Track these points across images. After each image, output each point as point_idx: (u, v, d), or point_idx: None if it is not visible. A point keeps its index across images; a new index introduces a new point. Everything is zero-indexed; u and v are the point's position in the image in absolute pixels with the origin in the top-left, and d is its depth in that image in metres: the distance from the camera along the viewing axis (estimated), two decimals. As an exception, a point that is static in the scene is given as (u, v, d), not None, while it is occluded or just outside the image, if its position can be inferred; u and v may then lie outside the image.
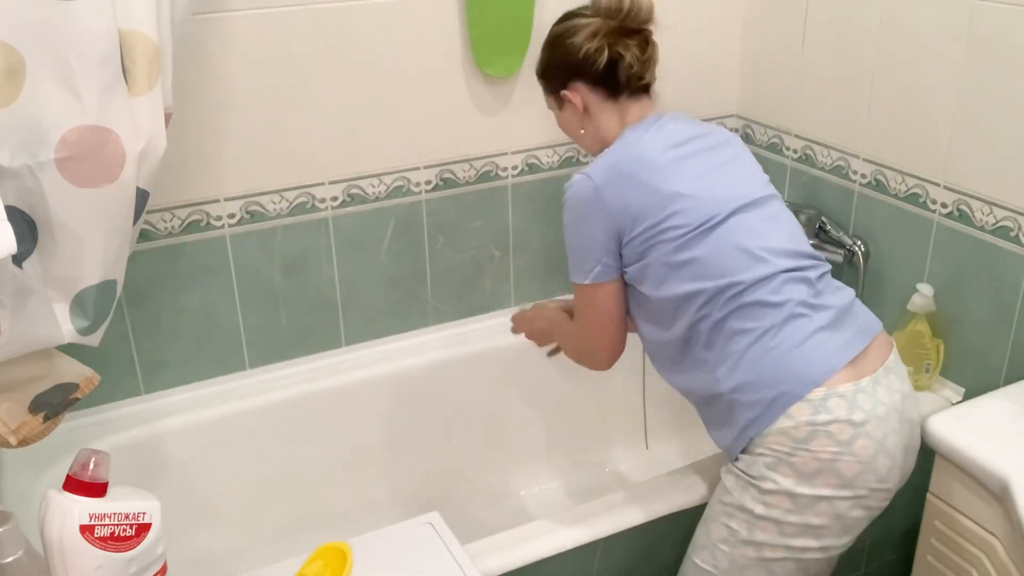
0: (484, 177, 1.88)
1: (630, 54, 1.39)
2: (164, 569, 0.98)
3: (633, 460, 2.07)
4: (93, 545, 0.89)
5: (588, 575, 1.45)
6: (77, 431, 1.59)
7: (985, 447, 1.30)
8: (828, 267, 1.38)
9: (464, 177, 1.86)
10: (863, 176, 1.79)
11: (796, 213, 1.84)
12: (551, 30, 1.46)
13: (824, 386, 1.24)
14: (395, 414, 1.89)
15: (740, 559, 1.31)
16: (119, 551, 0.91)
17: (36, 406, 1.18)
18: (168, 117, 1.28)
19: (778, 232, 1.35)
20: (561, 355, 1.62)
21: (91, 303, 1.22)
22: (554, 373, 1.91)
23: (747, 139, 2.08)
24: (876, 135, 1.74)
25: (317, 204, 1.75)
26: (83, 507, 0.89)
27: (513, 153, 1.89)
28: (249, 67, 1.60)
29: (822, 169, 1.88)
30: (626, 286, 1.40)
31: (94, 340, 1.26)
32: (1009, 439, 1.33)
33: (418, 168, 1.82)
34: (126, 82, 1.17)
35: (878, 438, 1.24)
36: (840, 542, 1.30)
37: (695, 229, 1.30)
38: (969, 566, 1.35)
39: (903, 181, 1.71)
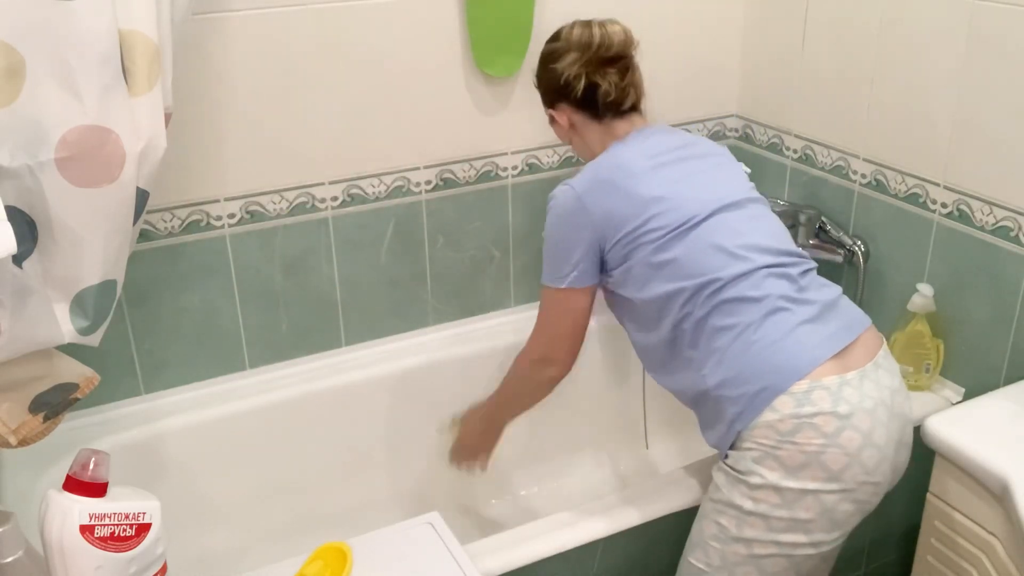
0: (484, 177, 1.88)
1: (607, 82, 1.44)
2: (164, 569, 0.98)
3: (633, 460, 2.07)
4: (93, 545, 0.89)
5: (588, 575, 1.45)
6: (77, 431, 1.59)
7: (985, 447, 1.30)
8: (813, 265, 1.40)
9: (464, 177, 1.86)
10: (863, 176, 1.79)
11: (796, 213, 1.85)
12: (544, 47, 1.53)
13: (808, 379, 1.25)
14: (395, 414, 1.89)
15: (731, 556, 1.31)
16: (119, 551, 0.91)
17: (36, 406, 1.19)
18: (168, 117, 1.28)
19: (759, 231, 1.38)
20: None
21: (91, 303, 1.22)
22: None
23: (747, 139, 2.08)
24: (876, 135, 1.74)
25: (317, 204, 1.75)
26: (83, 507, 0.89)
27: (513, 153, 1.89)
28: (249, 67, 1.60)
29: (822, 169, 1.88)
30: (610, 294, 1.44)
31: (94, 340, 1.26)
32: (1009, 439, 1.33)
33: (418, 168, 1.82)
34: (126, 82, 1.17)
35: (864, 430, 1.24)
36: (830, 537, 1.29)
37: (674, 230, 1.34)
38: (969, 566, 1.35)
39: (903, 181, 1.71)
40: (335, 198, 1.76)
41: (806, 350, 1.27)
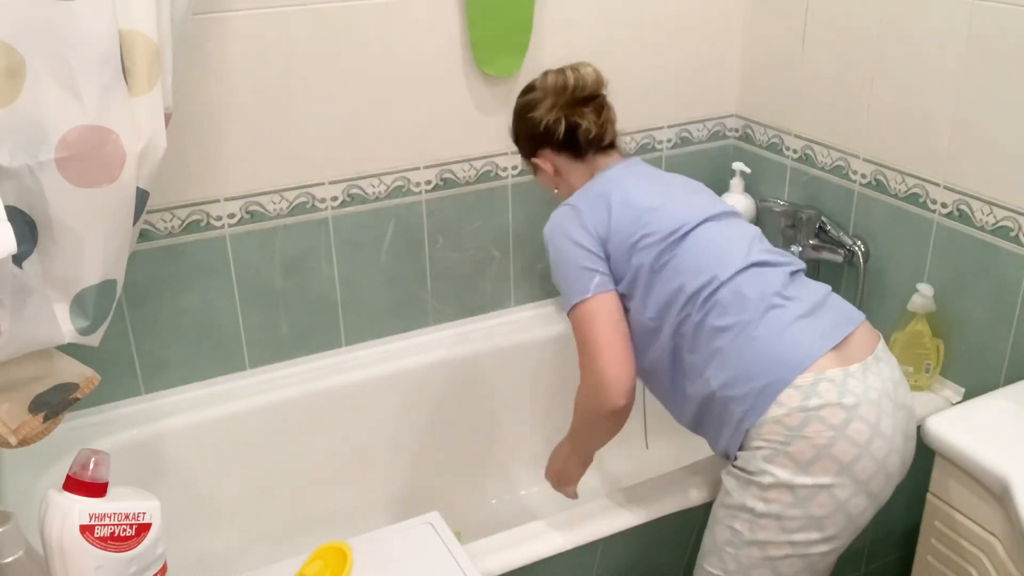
0: (484, 177, 1.88)
1: (587, 121, 1.49)
2: (164, 569, 0.98)
3: (633, 460, 2.07)
4: (93, 545, 0.89)
5: (588, 575, 1.45)
6: (77, 431, 1.59)
7: (985, 447, 1.30)
8: (802, 266, 1.42)
9: (464, 177, 1.86)
10: (863, 176, 1.79)
11: (796, 213, 1.85)
12: (516, 102, 1.58)
13: (812, 372, 1.26)
14: (395, 414, 1.89)
15: (746, 560, 1.31)
16: (119, 551, 0.91)
17: (36, 406, 1.19)
18: (168, 117, 1.28)
19: (746, 236, 1.42)
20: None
21: (91, 303, 1.22)
22: (554, 373, 1.91)
23: (747, 139, 2.08)
24: (876, 135, 1.74)
25: (317, 204, 1.75)
26: (83, 507, 0.89)
27: (513, 153, 1.88)
28: (249, 67, 1.60)
29: (822, 169, 1.88)
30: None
31: (94, 340, 1.26)
32: (1009, 439, 1.33)
33: (418, 168, 1.82)
34: (126, 82, 1.17)
35: (871, 421, 1.25)
36: (844, 533, 1.30)
37: (668, 236, 1.37)
38: (969, 566, 1.35)
39: (903, 181, 1.71)
40: (335, 198, 1.76)
41: (806, 343, 1.28)
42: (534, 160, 1.56)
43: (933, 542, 1.42)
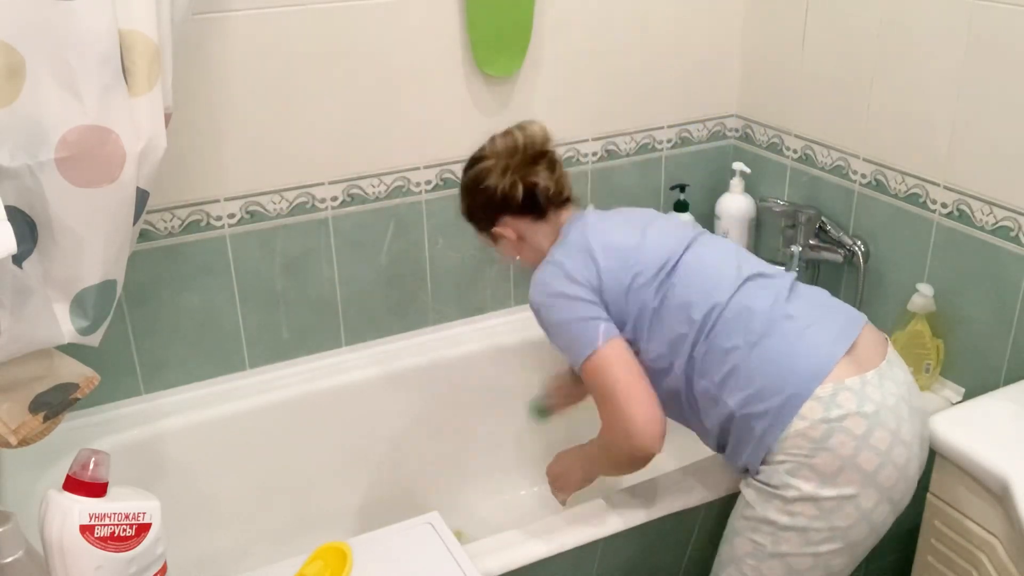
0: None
1: (542, 179, 1.45)
2: (164, 569, 0.98)
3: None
4: (93, 545, 0.89)
5: (588, 575, 1.45)
6: (77, 431, 1.59)
7: (985, 447, 1.30)
8: (794, 275, 1.42)
9: (464, 177, 1.86)
10: (863, 176, 1.79)
11: (796, 213, 1.85)
12: (464, 178, 1.52)
13: (830, 381, 1.25)
14: (395, 414, 1.89)
15: (768, 572, 1.31)
16: (119, 551, 0.91)
17: (36, 406, 1.18)
18: (168, 117, 1.28)
19: (730, 253, 1.42)
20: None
21: (91, 303, 1.22)
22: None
23: (747, 139, 2.08)
24: (876, 135, 1.74)
25: (317, 204, 1.75)
26: (83, 507, 0.89)
27: (513, 153, 1.89)
28: (249, 67, 1.60)
29: (822, 169, 1.88)
30: None
31: (94, 340, 1.26)
32: (1009, 439, 1.33)
33: (418, 168, 1.82)
34: (126, 82, 1.17)
35: (892, 428, 1.25)
36: (867, 542, 1.30)
37: (659, 271, 1.36)
38: (969, 566, 1.35)
39: (903, 181, 1.71)
40: (335, 198, 1.76)
41: (821, 350, 1.28)
42: (494, 231, 1.50)
43: (933, 542, 1.42)
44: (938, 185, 1.64)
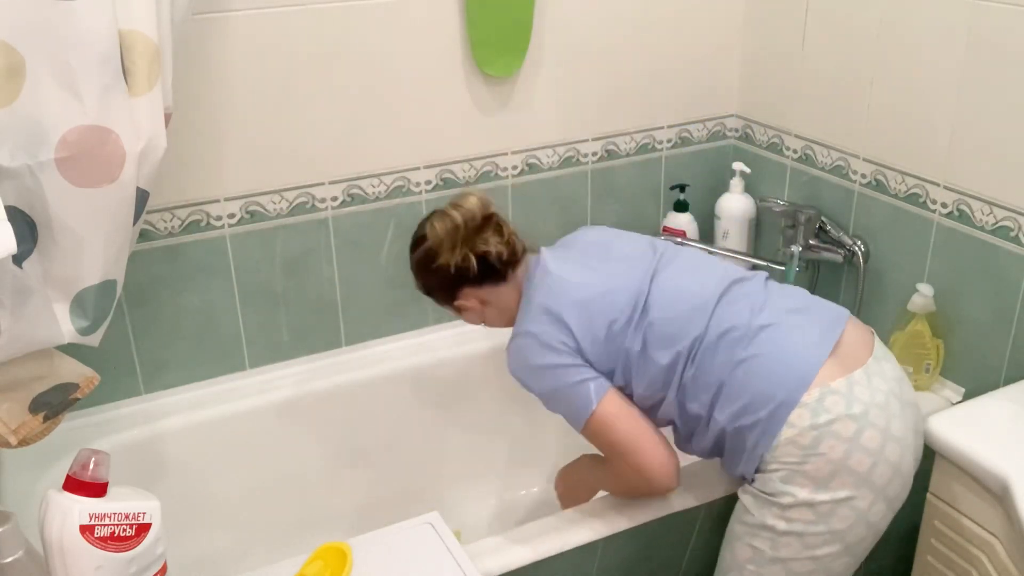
0: (484, 177, 1.88)
1: (492, 245, 1.42)
2: (164, 569, 0.98)
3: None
4: (93, 545, 0.89)
5: (588, 575, 1.45)
6: (77, 431, 1.59)
7: (985, 447, 1.30)
8: (766, 274, 1.42)
9: (464, 177, 1.86)
10: (863, 176, 1.79)
11: (796, 213, 1.85)
12: (413, 258, 1.48)
13: (816, 386, 1.25)
14: (395, 414, 1.89)
15: None
16: (119, 551, 0.91)
17: (36, 406, 1.19)
18: (168, 117, 1.28)
19: (698, 269, 1.40)
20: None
21: (91, 303, 1.22)
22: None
23: (747, 139, 2.08)
24: (876, 135, 1.74)
25: (317, 204, 1.75)
26: (83, 507, 0.89)
27: (513, 153, 1.89)
28: (249, 67, 1.60)
29: (822, 169, 1.88)
30: None
31: (94, 340, 1.26)
32: (1009, 439, 1.33)
33: (418, 168, 1.82)
34: (126, 82, 1.17)
35: (882, 426, 1.25)
36: (866, 543, 1.30)
37: (632, 312, 1.34)
38: (969, 566, 1.35)
39: (903, 181, 1.71)
40: (335, 198, 1.76)
41: (804, 355, 1.28)
42: (457, 304, 1.47)
43: (933, 542, 1.42)
44: (938, 185, 1.64)
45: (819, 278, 1.92)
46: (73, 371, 1.25)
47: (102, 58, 1.12)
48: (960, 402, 1.62)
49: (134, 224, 1.25)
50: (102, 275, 1.22)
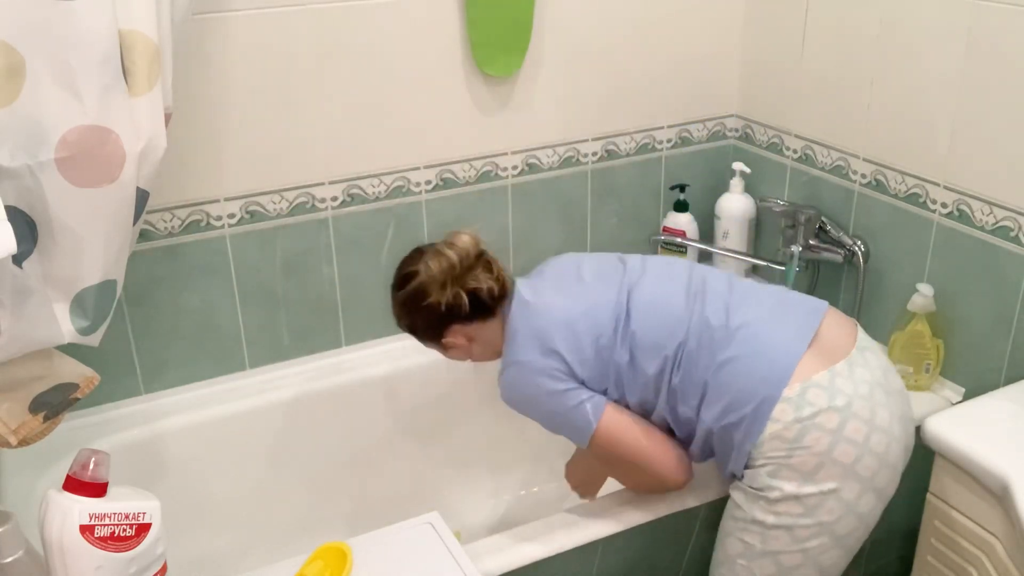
0: (484, 177, 1.88)
1: (484, 282, 1.40)
2: (164, 569, 0.98)
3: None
4: (93, 545, 0.89)
5: (588, 575, 1.45)
6: (77, 431, 1.59)
7: (985, 447, 1.30)
8: (730, 273, 1.43)
9: (464, 177, 1.86)
10: (863, 176, 1.79)
11: (796, 213, 1.85)
12: (399, 297, 1.44)
13: (798, 380, 1.26)
14: (395, 414, 1.89)
15: (759, 571, 1.32)
16: (119, 551, 0.91)
17: (36, 406, 1.19)
18: (168, 117, 1.28)
19: (672, 278, 1.41)
20: None
21: (91, 303, 1.22)
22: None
23: (747, 139, 2.08)
24: (876, 135, 1.74)
25: (317, 204, 1.75)
26: (83, 507, 0.89)
27: (513, 153, 1.89)
28: (249, 67, 1.60)
29: (822, 169, 1.88)
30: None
31: (94, 340, 1.26)
32: (1009, 439, 1.33)
33: (418, 168, 1.82)
34: (126, 82, 1.17)
35: (866, 417, 1.25)
36: (855, 535, 1.30)
37: (615, 328, 1.35)
38: (969, 566, 1.35)
39: (903, 181, 1.71)
40: (335, 198, 1.76)
41: (783, 350, 1.29)
42: (444, 341, 1.45)
43: (933, 542, 1.42)
44: (938, 185, 1.64)
45: (819, 278, 1.92)
46: (73, 371, 1.25)
47: (102, 58, 1.12)
48: (960, 402, 1.62)
49: (134, 224, 1.25)
50: (102, 275, 1.22)
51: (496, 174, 1.89)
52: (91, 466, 0.90)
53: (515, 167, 1.90)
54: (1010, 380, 1.55)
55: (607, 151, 1.98)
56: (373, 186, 1.79)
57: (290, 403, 1.78)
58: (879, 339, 1.41)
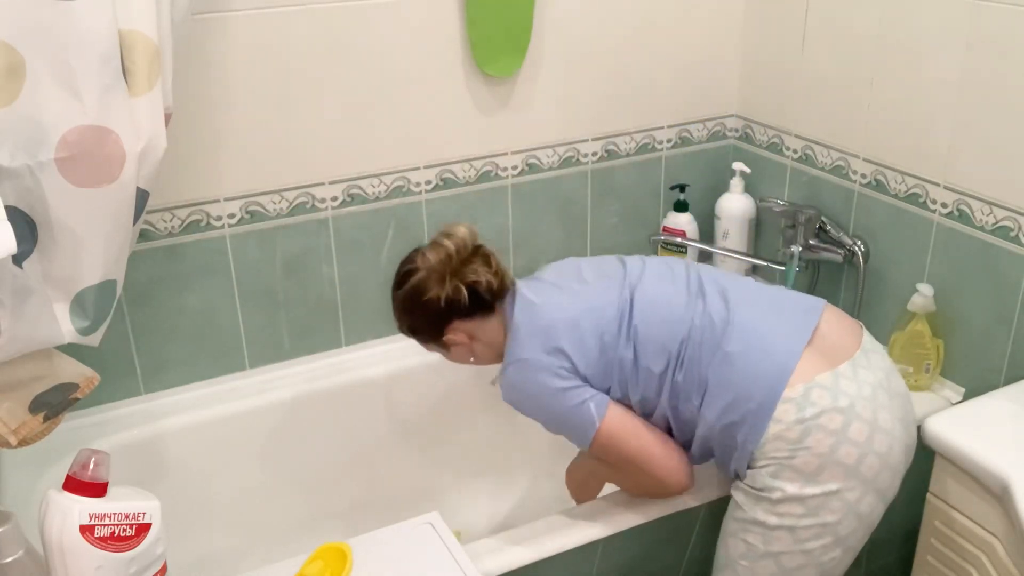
0: (484, 177, 1.88)
1: (483, 276, 1.39)
2: (164, 569, 0.98)
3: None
4: (93, 545, 0.89)
5: (588, 575, 1.45)
6: (77, 431, 1.59)
7: (985, 447, 1.30)
8: (734, 274, 1.44)
9: (464, 177, 1.86)
10: (863, 176, 1.79)
11: (796, 213, 1.85)
12: (399, 294, 1.44)
13: (801, 381, 1.26)
14: (395, 414, 1.89)
15: (761, 572, 1.32)
16: (119, 551, 0.91)
17: (36, 406, 1.19)
18: (168, 117, 1.28)
19: (674, 278, 1.41)
20: None
21: (91, 303, 1.22)
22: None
23: (747, 139, 2.08)
24: (876, 135, 1.74)
25: (317, 204, 1.75)
26: (83, 507, 0.89)
27: (513, 153, 1.89)
28: (249, 67, 1.60)
29: (822, 169, 1.88)
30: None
31: (94, 340, 1.26)
32: (1009, 439, 1.33)
33: (418, 168, 1.82)
34: (126, 82, 1.17)
35: (868, 418, 1.25)
36: (856, 536, 1.30)
37: (620, 325, 1.35)
38: (969, 566, 1.35)
39: (903, 181, 1.71)
40: (335, 198, 1.76)
41: (780, 347, 1.29)
42: (446, 339, 1.43)
43: (933, 542, 1.42)
44: (938, 185, 1.64)
45: (819, 278, 1.92)
46: (73, 371, 1.25)
47: (102, 58, 1.12)
48: (960, 402, 1.62)
49: (134, 224, 1.25)
50: (102, 275, 1.22)
51: (496, 174, 1.89)
52: (91, 466, 0.90)
53: (515, 167, 1.90)
54: (1010, 380, 1.55)
55: (607, 151, 1.98)
56: (373, 186, 1.79)
57: (290, 403, 1.78)
58: (879, 339, 1.41)
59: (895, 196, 1.73)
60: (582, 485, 1.59)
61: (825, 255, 1.84)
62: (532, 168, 1.92)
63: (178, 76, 1.33)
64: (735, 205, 2.01)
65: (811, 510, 1.26)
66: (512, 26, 1.76)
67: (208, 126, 1.61)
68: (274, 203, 1.71)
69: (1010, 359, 1.56)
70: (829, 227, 1.84)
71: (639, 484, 1.44)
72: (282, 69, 1.63)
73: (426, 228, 1.86)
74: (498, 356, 1.45)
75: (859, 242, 1.80)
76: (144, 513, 0.94)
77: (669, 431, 1.39)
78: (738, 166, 1.99)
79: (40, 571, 0.91)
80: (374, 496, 1.89)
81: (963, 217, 1.60)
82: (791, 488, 1.26)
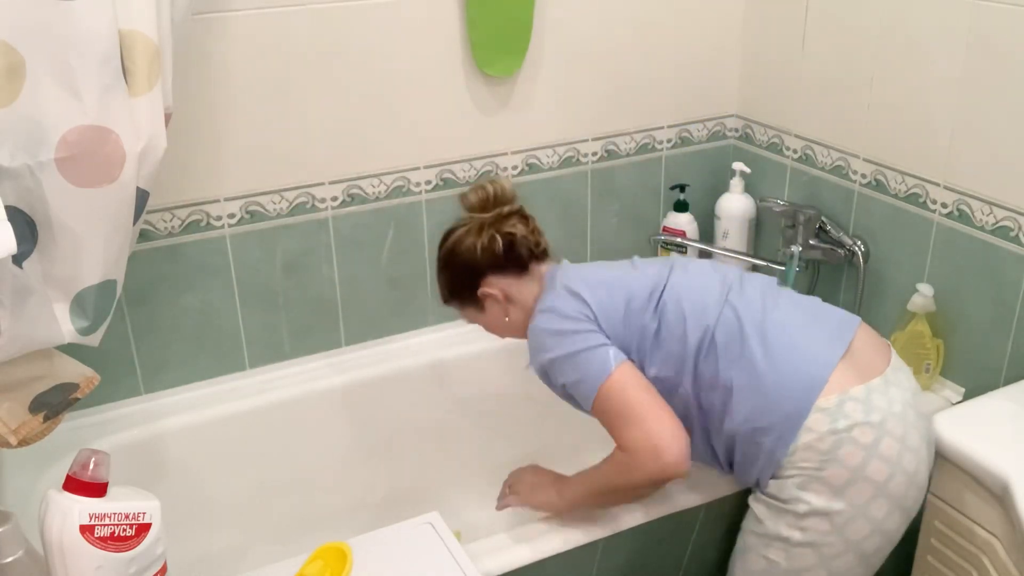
0: (485, 177, 1.88)
1: (519, 230, 1.44)
2: (164, 569, 0.98)
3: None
4: (93, 545, 0.89)
5: (588, 575, 1.45)
6: (77, 431, 1.59)
7: (985, 447, 1.30)
8: (774, 279, 1.43)
9: (464, 177, 1.86)
10: (863, 176, 1.79)
11: (796, 213, 1.85)
12: (440, 255, 1.50)
13: (835, 392, 1.24)
14: (395, 414, 1.89)
15: None
16: (119, 551, 0.91)
17: (36, 406, 1.19)
18: (168, 117, 1.28)
19: (714, 271, 1.42)
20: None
21: (91, 303, 1.22)
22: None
23: (747, 139, 2.08)
24: (876, 135, 1.74)
25: (317, 204, 1.75)
26: (83, 507, 0.89)
27: (513, 153, 1.89)
28: (249, 67, 1.60)
29: (822, 169, 1.88)
30: None
31: (94, 340, 1.26)
32: (1009, 439, 1.33)
33: (418, 168, 1.82)
34: (126, 82, 1.17)
35: (899, 435, 1.24)
36: (881, 552, 1.29)
37: (650, 296, 1.36)
38: (969, 566, 1.35)
39: (903, 181, 1.71)
40: (335, 198, 1.76)
41: (816, 358, 1.27)
42: (481, 292, 1.45)
43: (933, 542, 1.42)
44: (938, 185, 1.64)
45: (819, 278, 1.92)
46: (73, 371, 1.25)
47: (102, 58, 1.12)
48: (960, 402, 1.62)
49: (134, 224, 1.25)
50: (102, 275, 1.22)
51: (496, 174, 1.89)
52: (91, 466, 0.90)
53: (515, 167, 1.90)
54: (1010, 380, 1.55)
55: (607, 151, 1.98)
56: (373, 186, 1.79)
57: (290, 403, 1.78)
58: (896, 352, 1.40)
59: (895, 196, 1.73)
60: (527, 490, 1.50)
61: (825, 255, 1.84)
62: (532, 168, 1.92)
63: (178, 76, 1.33)
64: (735, 205, 2.01)
65: (837, 527, 1.24)
66: (512, 26, 1.76)
67: (208, 126, 1.61)
68: (274, 203, 1.71)
69: (1010, 359, 1.56)
70: (829, 227, 1.85)
71: (634, 458, 1.29)
72: (282, 69, 1.63)
73: (426, 228, 1.86)
74: (526, 328, 1.44)
75: (859, 242, 1.80)
76: (144, 513, 0.94)
77: (688, 423, 1.35)
78: (738, 166, 1.99)
79: (40, 571, 0.91)
80: (374, 496, 1.89)
81: (963, 217, 1.60)
82: (818, 502, 1.23)
